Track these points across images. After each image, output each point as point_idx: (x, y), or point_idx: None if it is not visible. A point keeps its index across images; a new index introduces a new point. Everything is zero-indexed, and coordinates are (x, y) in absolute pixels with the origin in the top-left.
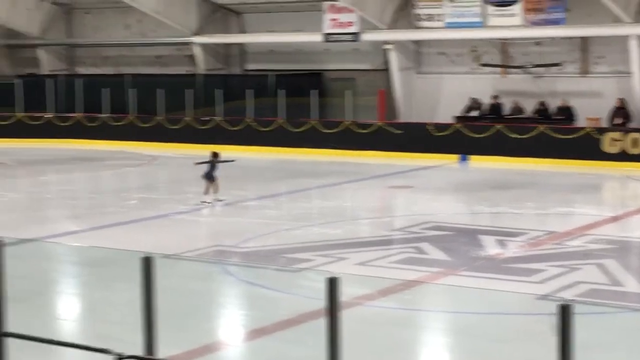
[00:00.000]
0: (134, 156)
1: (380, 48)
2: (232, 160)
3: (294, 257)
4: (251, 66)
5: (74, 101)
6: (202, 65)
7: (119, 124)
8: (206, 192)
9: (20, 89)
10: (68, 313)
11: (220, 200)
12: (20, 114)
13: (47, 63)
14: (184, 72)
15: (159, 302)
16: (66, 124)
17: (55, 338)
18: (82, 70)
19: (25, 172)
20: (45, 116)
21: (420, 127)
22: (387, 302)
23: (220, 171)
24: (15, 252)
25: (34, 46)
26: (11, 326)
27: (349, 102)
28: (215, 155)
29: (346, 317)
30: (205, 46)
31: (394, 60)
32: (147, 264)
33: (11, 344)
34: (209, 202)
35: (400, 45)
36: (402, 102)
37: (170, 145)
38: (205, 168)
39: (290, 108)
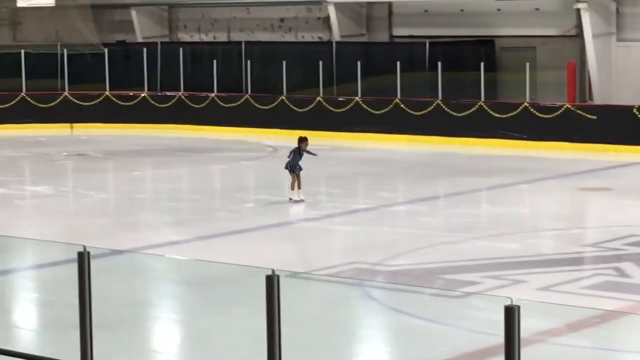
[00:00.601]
0: (251, 147)
1: (570, 7)
2: (315, 154)
3: (455, 279)
4: (400, 31)
5: (175, 76)
6: (337, 30)
7: (231, 105)
8: (293, 187)
9: (108, 61)
10: (167, 344)
11: (301, 201)
12: (107, 92)
13: (142, 28)
14: (315, 40)
15: (284, 332)
16: (165, 105)
17: None
18: (184, 37)
19: (114, 166)
20: (139, 95)
21: (623, 111)
22: (577, 338)
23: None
24: (103, 266)
25: (126, 6)
26: (99, 358)
27: (528, 78)
28: (302, 141)
29: (525, 358)
30: (342, 6)
31: (588, 23)
32: (271, 283)
33: None
34: (297, 200)
35: (596, 3)
36: (597, 79)
37: (297, 132)
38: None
39: (450, 86)
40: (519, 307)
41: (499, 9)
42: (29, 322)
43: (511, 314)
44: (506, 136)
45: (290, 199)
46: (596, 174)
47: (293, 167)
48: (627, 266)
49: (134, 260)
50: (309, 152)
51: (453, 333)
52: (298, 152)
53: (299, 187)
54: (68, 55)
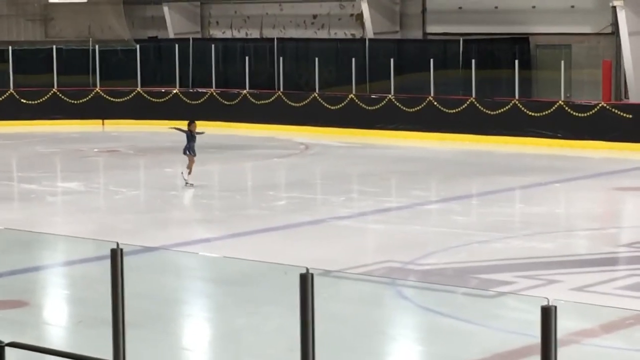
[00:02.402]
0: (283, 144)
1: (605, 5)
2: (202, 132)
3: (489, 279)
4: (433, 29)
5: (207, 73)
6: (371, 27)
7: (263, 102)
8: (191, 171)
9: (139, 57)
10: (198, 343)
11: (190, 185)
12: (138, 89)
13: (174, 24)
14: (347, 37)
15: (316, 331)
16: (197, 101)
17: None
18: (216, 33)
19: (146, 162)
20: (171, 92)
21: None
22: (612, 340)
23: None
24: (134, 263)
25: (158, 2)
26: (129, 356)
27: (563, 76)
28: (190, 123)
29: (560, 358)
30: (375, 3)
31: (624, 21)
32: (305, 282)
33: None
34: (191, 183)
35: (632, 1)
36: (633, 77)
37: (329, 130)
38: (185, 143)
39: (484, 83)
40: (555, 307)
41: (534, 6)
42: (61, 319)
43: (548, 315)
44: (540, 135)
45: (185, 182)
46: (631, 173)
47: (189, 150)
48: None
49: (165, 257)
50: (198, 133)
51: (486, 333)
52: (190, 136)
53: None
54: (100, 51)
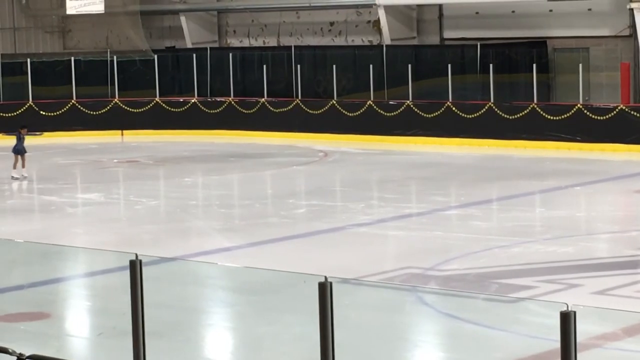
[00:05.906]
0: (302, 152)
1: (623, 7)
2: (39, 134)
3: (509, 284)
4: (451, 34)
5: (225, 82)
6: (388, 33)
7: (281, 110)
8: (15, 167)
9: (157, 67)
10: (220, 352)
11: (24, 178)
12: (157, 99)
13: (191, 34)
14: (365, 43)
15: (337, 339)
16: (215, 110)
17: None
18: (234, 42)
19: (165, 172)
20: (189, 101)
21: None
22: (635, 344)
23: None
24: (155, 273)
25: (175, 12)
26: None
27: (581, 79)
28: (22, 127)
29: None
30: (392, 9)
31: None
32: (324, 290)
33: None
34: (17, 177)
35: None
36: None
37: (348, 137)
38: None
39: (503, 88)
40: (575, 312)
41: (551, 10)
42: (82, 330)
43: (567, 320)
44: (559, 138)
45: (12, 177)
46: None
47: (18, 150)
48: None
49: (185, 267)
50: (31, 134)
51: (508, 338)
52: (19, 137)
53: (23, 167)
54: (118, 62)
